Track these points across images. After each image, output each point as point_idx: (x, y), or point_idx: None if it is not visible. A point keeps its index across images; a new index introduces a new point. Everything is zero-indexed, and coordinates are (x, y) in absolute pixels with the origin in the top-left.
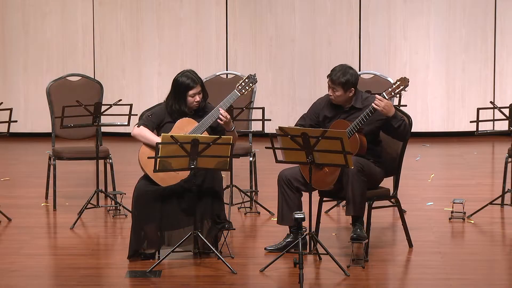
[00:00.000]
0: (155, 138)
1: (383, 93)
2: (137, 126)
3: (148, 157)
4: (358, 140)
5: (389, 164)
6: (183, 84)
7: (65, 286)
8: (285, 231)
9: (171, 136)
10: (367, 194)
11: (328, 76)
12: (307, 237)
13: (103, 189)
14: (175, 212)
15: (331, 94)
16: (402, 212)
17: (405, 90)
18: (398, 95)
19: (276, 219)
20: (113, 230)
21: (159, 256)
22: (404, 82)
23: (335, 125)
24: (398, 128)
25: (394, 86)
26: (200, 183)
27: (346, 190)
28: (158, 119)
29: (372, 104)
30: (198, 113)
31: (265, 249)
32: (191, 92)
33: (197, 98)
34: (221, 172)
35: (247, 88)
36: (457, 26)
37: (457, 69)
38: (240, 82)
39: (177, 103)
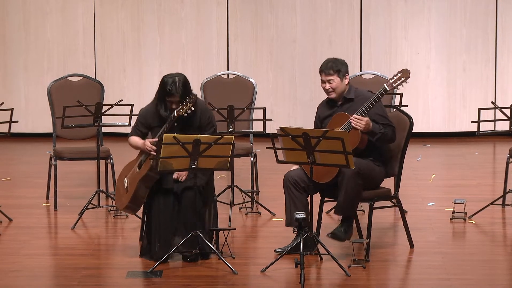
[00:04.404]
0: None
1: (385, 84)
2: (129, 136)
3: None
4: (359, 133)
5: (390, 164)
6: (165, 87)
7: (66, 286)
8: (285, 231)
9: (174, 137)
10: (368, 194)
11: (320, 71)
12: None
13: (104, 189)
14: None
15: (328, 87)
16: (403, 213)
17: (406, 82)
18: (399, 87)
19: (284, 221)
20: (114, 230)
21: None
22: (405, 73)
23: (335, 118)
24: (376, 141)
25: (395, 77)
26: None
27: (340, 190)
28: (146, 123)
29: (350, 121)
30: (185, 122)
31: (275, 251)
32: (168, 99)
33: (174, 106)
34: (221, 172)
35: (184, 107)
36: (458, 26)
37: (458, 69)
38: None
39: (160, 104)
